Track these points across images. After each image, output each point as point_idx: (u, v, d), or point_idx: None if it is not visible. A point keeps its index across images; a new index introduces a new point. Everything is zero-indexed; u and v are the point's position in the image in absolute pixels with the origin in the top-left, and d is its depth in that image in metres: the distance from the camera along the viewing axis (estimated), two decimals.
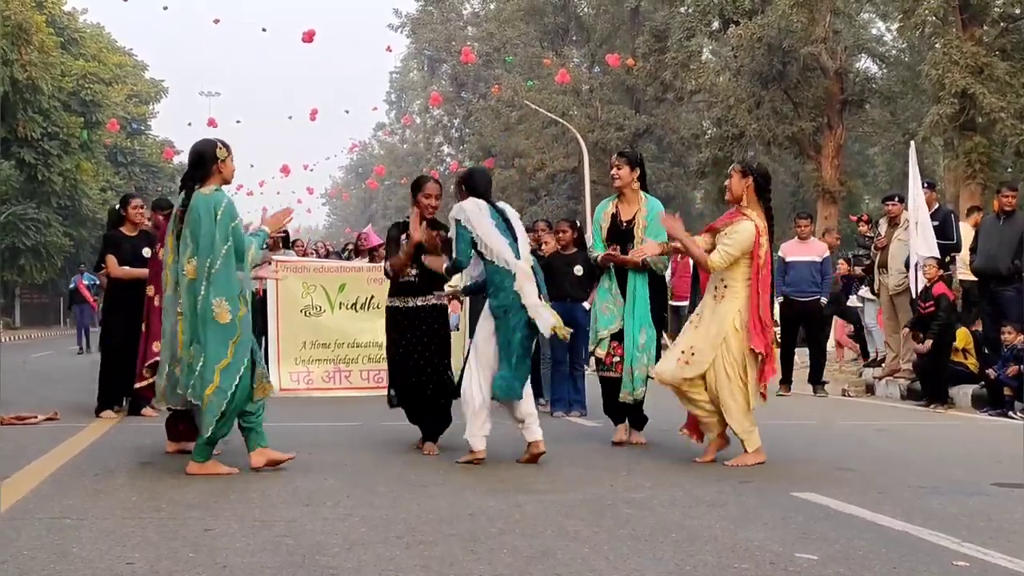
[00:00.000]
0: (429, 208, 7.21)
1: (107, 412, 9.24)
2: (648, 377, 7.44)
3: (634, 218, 7.52)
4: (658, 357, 7.41)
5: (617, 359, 7.50)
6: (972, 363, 11.49)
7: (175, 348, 6.17)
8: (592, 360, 8.07)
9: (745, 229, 6.65)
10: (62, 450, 7.05)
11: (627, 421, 7.80)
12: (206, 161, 6.24)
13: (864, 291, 14.25)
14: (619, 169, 7.56)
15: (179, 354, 6.11)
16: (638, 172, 7.59)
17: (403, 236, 7.26)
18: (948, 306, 11.15)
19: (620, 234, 7.56)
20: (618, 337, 7.51)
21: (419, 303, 7.18)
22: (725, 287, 6.71)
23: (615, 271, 7.55)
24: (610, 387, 7.65)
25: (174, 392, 6.21)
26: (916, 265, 11.70)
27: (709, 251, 6.80)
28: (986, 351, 11.44)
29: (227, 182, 6.34)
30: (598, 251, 7.64)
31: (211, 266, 6.02)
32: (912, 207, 11.88)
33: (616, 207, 7.64)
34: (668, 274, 16.85)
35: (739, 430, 6.68)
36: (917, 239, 11.67)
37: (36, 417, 8.88)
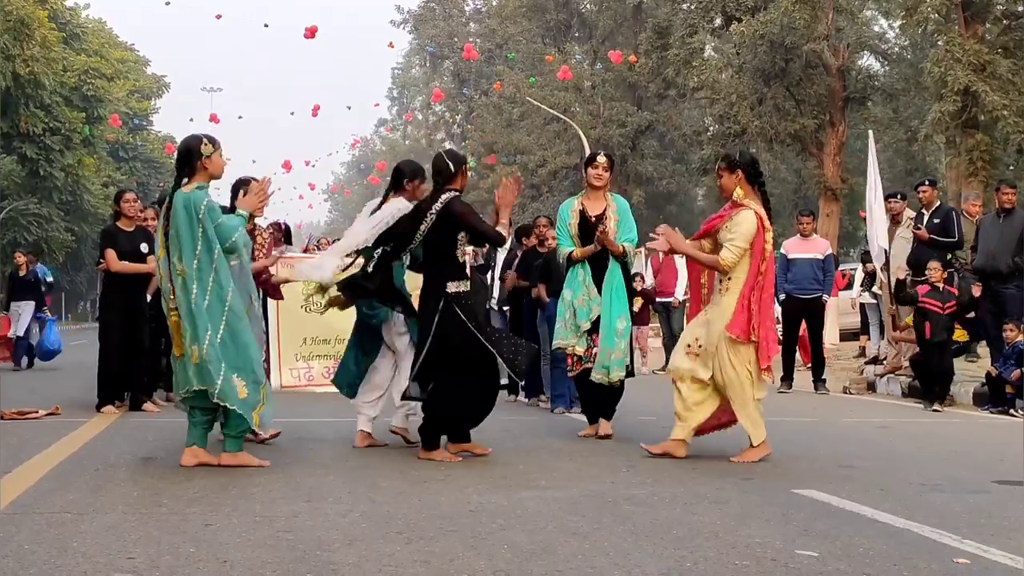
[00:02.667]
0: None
1: (108, 407, 9.25)
2: (628, 366, 7.65)
3: (604, 212, 7.72)
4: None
5: (596, 349, 7.61)
6: (959, 334, 11.51)
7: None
8: (569, 358, 7.91)
9: (746, 218, 6.65)
10: (63, 445, 7.05)
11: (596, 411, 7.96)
12: (191, 157, 6.19)
13: (874, 288, 14.26)
14: (606, 171, 7.85)
15: (185, 350, 6.08)
16: (612, 175, 8.00)
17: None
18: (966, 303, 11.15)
19: (590, 228, 7.69)
20: (593, 331, 7.62)
21: None
22: (729, 280, 6.71)
23: (591, 261, 7.66)
24: (591, 384, 7.73)
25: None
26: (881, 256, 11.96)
27: (712, 253, 6.83)
28: (988, 349, 11.44)
29: (215, 178, 6.28)
30: (566, 248, 7.79)
31: (199, 267, 6.01)
32: (872, 197, 12.13)
33: (582, 204, 7.84)
34: (650, 271, 16.88)
35: (745, 422, 6.68)
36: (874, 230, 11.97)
37: (37, 412, 8.89)
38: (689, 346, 6.78)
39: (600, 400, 7.85)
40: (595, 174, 7.83)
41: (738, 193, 6.73)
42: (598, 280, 7.63)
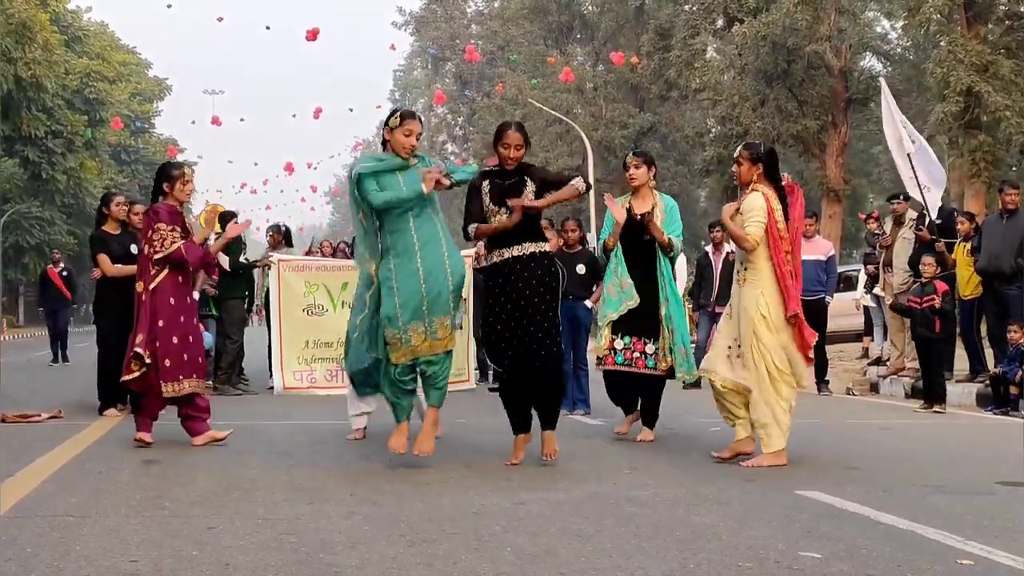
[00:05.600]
0: (508, 160, 6.47)
1: (110, 410, 9.24)
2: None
3: (651, 211, 7.64)
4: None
5: (638, 355, 7.59)
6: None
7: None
8: (596, 352, 7.87)
9: (754, 200, 6.66)
10: (65, 448, 7.05)
11: (635, 417, 7.93)
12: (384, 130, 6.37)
13: (876, 289, 14.24)
14: (637, 168, 7.75)
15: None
16: (654, 171, 7.84)
17: (484, 184, 6.49)
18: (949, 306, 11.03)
19: (634, 227, 7.66)
20: (639, 332, 7.58)
21: (515, 253, 6.40)
22: (745, 270, 6.67)
23: (630, 255, 7.63)
24: (620, 380, 7.72)
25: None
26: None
27: None
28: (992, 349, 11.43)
29: (397, 153, 6.25)
30: (607, 237, 7.80)
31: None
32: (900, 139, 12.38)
33: (630, 202, 7.78)
34: None
35: (757, 425, 6.62)
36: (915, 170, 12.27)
37: (40, 415, 8.89)
38: (730, 347, 6.72)
39: (634, 399, 7.88)
40: (628, 176, 7.82)
41: (752, 185, 6.73)
42: (645, 276, 7.58)
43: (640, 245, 7.63)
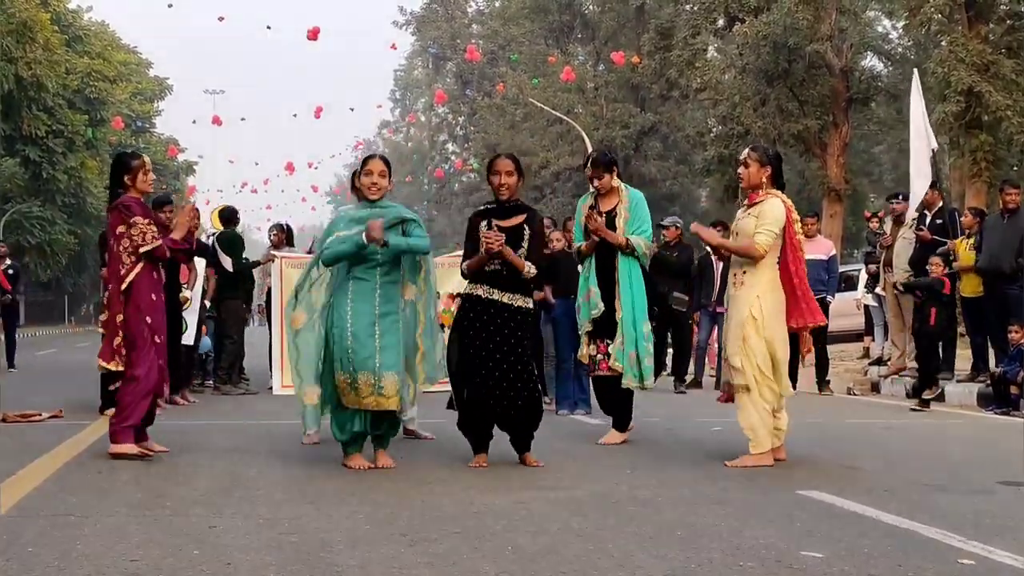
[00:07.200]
0: (501, 189, 6.56)
1: (111, 410, 9.22)
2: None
3: (615, 208, 7.57)
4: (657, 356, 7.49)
5: (601, 357, 7.52)
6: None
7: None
8: (581, 358, 7.88)
9: (775, 205, 6.58)
10: (66, 447, 7.06)
11: (611, 420, 7.84)
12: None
13: (877, 289, 14.23)
14: (599, 180, 7.60)
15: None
16: (615, 170, 7.70)
17: (483, 224, 6.53)
18: (938, 291, 11.16)
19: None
20: (602, 334, 7.50)
21: (505, 300, 6.45)
22: (744, 273, 6.60)
23: (599, 258, 7.54)
24: (606, 387, 7.67)
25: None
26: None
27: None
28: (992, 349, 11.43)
29: (365, 196, 6.39)
30: (579, 243, 7.72)
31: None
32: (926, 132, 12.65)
33: (596, 200, 7.69)
34: None
35: (745, 427, 6.60)
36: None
37: (41, 415, 8.90)
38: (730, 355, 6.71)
39: (613, 405, 7.77)
40: (594, 186, 7.71)
41: (760, 188, 6.68)
42: (607, 278, 7.50)
43: (604, 245, 7.53)
